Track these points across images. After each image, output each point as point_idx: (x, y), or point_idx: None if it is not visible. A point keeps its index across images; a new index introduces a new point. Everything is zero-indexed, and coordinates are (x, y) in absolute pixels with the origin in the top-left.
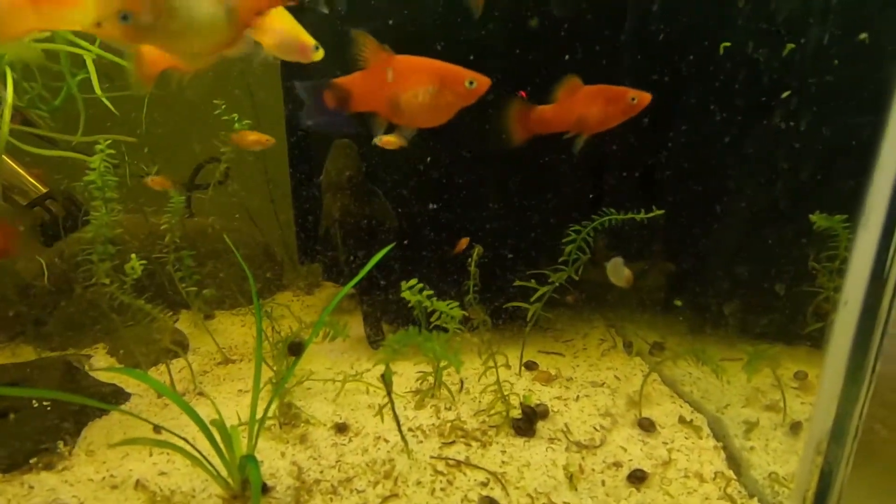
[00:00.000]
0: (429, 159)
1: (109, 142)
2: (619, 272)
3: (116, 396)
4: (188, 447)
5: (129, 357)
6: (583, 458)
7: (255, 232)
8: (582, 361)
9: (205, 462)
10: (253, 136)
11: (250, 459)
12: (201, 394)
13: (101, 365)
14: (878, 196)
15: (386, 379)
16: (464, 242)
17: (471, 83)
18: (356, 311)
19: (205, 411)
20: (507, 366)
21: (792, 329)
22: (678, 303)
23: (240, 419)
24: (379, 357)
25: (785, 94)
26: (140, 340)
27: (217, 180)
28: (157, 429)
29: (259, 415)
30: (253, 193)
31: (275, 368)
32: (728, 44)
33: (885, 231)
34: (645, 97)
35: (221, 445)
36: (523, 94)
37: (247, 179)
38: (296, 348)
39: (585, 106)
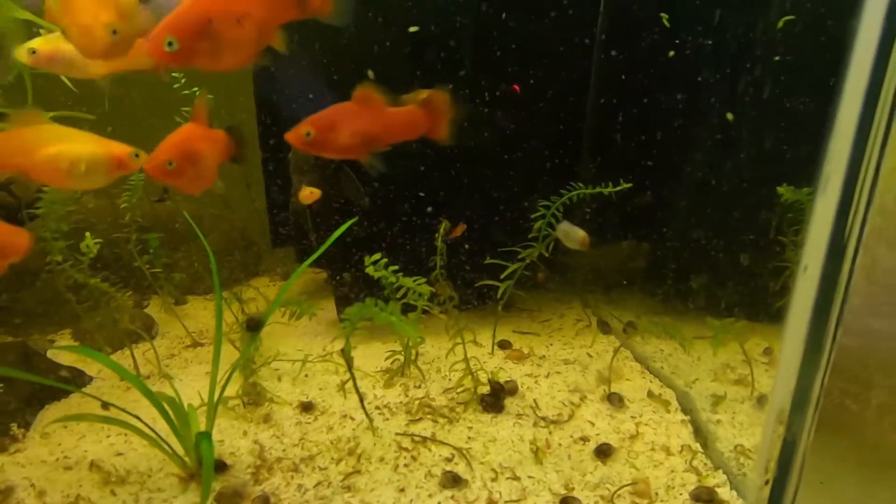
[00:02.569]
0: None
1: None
2: (571, 235)
3: (77, 380)
4: (141, 426)
5: (94, 341)
6: (550, 432)
7: (231, 217)
8: (556, 340)
9: (160, 441)
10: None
11: (204, 436)
12: (166, 376)
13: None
14: (836, 161)
15: (346, 354)
16: (460, 229)
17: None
18: (331, 294)
19: (168, 393)
20: (478, 343)
21: (761, 305)
22: (694, 284)
23: (202, 400)
24: (335, 333)
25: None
26: (103, 324)
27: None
28: (105, 405)
29: (223, 395)
30: (228, 177)
31: (242, 350)
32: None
33: (844, 196)
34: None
35: (177, 424)
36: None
37: (222, 165)
38: (254, 325)
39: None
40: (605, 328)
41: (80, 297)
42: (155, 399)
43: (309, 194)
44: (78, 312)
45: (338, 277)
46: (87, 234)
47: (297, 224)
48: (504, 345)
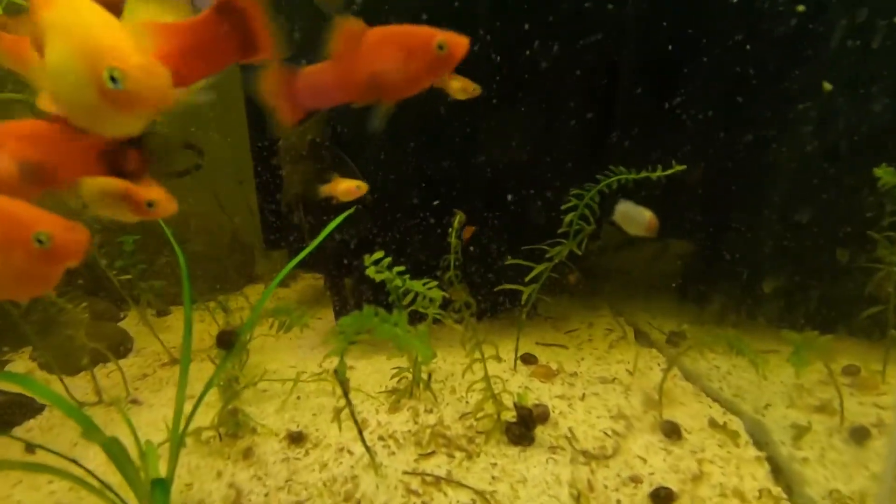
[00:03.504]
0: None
1: None
2: (634, 217)
3: (23, 409)
4: (81, 471)
5: (58, 360)
6: (592, 471)
7: (222, 217)
8: (587, 354)
9: (105, 490)
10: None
11: (158, 485)
12: (135, 401)
13: (20, 371)
14: None
15: (340, 376)
16: (468, 230)
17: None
18: (331, 303)
19: (134, 422)
20: (499, 359)
21: (838, 314)
22: (767, 288)
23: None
24: (331, 347)
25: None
26: (60, 342)
27: (194, 164)
28: (31, 448)
29: (192, 425)
30: (220, 174)
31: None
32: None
33: None
34: (459, 43)
35: (126, 469)
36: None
37: (213, 160)
38: (226, 340)
39: (375, 60)
40: (643, 340)
41: (30, 310)
42: (100, 436)
43: (349, 189)
44: (25, 328)
45: (336, 283)
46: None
47: (290, 223)
48: (528, 359)
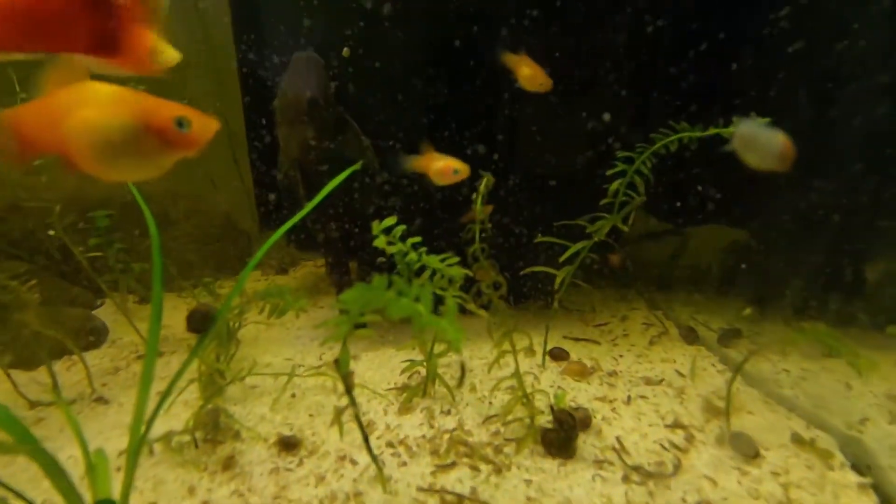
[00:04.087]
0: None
1: None
2: (764, 143)
3: None
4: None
5: (11, 351)
6: (651, 493)
7: (216, 198)
8: (625, 351)
9: None
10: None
11: None
12: (100, 399)
13: None
14: None
15: (342, 368)
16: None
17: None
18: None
19: (95, 425)
20: (532, 351)
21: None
22: (871, 276)
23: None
24: (329, 332)
25: None
26: (19, 331)
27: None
28: None
29: (164, 428)
30: (213, 152)
31: (218, 361)
32: None
33: None
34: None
35: (63, 486)
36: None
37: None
38: (198, 321)
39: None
40: (690, 336)
41: None
42: (35, 448)
43: (445, 169)
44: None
45: (337, 262)
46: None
47: (287, 201)
48: (558, 355)
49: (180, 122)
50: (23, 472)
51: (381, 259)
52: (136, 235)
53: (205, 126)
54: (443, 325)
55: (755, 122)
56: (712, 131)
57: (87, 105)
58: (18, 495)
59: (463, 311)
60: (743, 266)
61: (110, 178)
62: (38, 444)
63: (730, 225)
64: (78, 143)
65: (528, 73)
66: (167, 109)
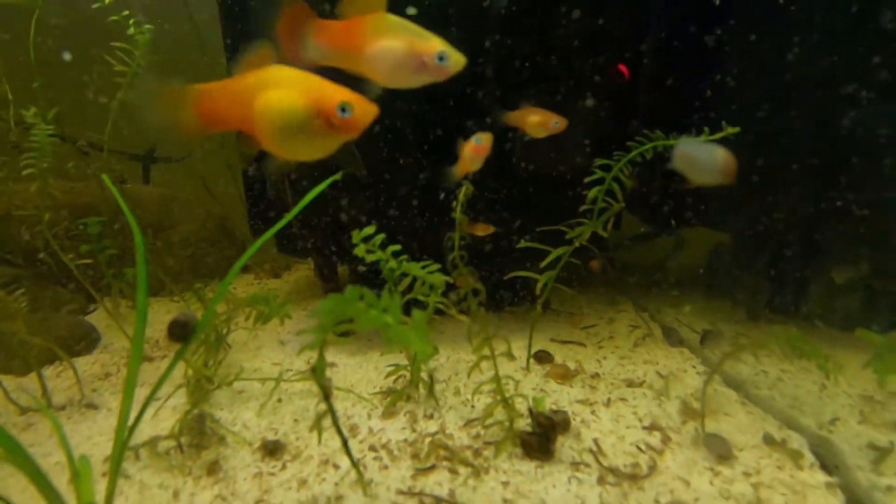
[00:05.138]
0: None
1: None
2: (705, 160)
3: None
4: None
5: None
6: (624, 494)
7: (210, 203)
8: (609, 353)
9: None
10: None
11: None
12: (90, 405)
13: None
14: None
15: (318, 375)
16: (483, 229)
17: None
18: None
19: (84, 430)
20: (511, 356)
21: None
22: (839, 279)
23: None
24: (306, 340)
25: None
26: (8, 338)
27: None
28: None
29: (150, 433)
30: (206, 154)
31: (207, 367)
32: None
33: None
34: None
35: (48, 492)
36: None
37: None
38: (179, 329)
39: None
40: (672, 339)
41: None
42: (20, 453)
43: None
44: None
45: (324, 268)
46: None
47: (276, 204)
48: (542, 358)
49: (343, 108)
50: (10, 478)
51: (362, 267)
52: (130, 240)
53: (364, 111)
54: (410, 336)
55: (693, 140)
56: (686, 138)
57: (272, 87)
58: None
59: (442, 314)
60: (723, 269)
61: (285, 155)
62: (26, 453)
63: (709, 228)
64: (260, 122)
65: (537, 120)
66: (337, 94)
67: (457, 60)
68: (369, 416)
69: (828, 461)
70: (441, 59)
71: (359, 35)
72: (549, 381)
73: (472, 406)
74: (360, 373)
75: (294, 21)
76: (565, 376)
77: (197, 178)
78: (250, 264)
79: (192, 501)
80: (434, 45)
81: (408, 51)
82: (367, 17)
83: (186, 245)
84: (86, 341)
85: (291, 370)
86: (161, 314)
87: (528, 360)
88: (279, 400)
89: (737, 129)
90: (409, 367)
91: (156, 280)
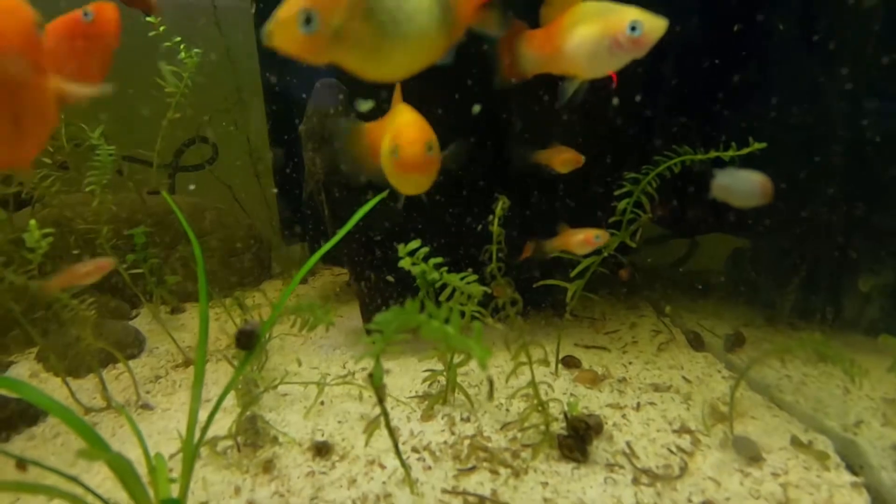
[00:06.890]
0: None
1: None
2: (742, 185)
3: (23, 416)
4: (80, 490)
5: (64, 362)
6: (658, 494)
7: (238, 211)
8: (634, 358)
9: None
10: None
11: None
12: (146, 406)
13: (24, 373)
14: None
15: (376, 382)
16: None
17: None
18: (354, 299)
19: (143, 430)
20: (546, 362)
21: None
22: (863, 287)
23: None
24: (365, 349)
25: None
26: (69, 342)
27: (206, 160)
28: (22, 463)
29: (208, 434)
30: (236, 167)
31: (252, 371)
32: None
33: None
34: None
35: (134, 487)
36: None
37: (228, 152)
38: (246, 339)
39: None
40: (696, 343)
41: (33, 307)
42: (104, 449)
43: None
44: (50, 330)
45: (363, 278)
46: (32, 223)
47: (311, 215)
48: (570, 363)
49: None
50: (84, 474)
51: (390, 277)
52: (167, 248)
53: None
54: (471, 344)
55: (730, 170)
56: (712, 154)
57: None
58: (94, 493)
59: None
60: (743, 274)
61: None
62: (116, 452)
63: (729, 234)
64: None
65: (565, 158)
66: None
67: (651, 26)
68: (409, 419)
69: (853, 462)
70: (634, 29)
71: (557, 35)
72: (579, 386)
73: (507, 410)
74: (396, 377)
75: (511, 38)
76: (594, 381)
77: (223, 187)
78: (280, 269)
79: (253, 497)
80: (624, 17)
81: (599, 34)
82: (564, 14)
83: (217, 252)
84: (135, 346)
85: (329, 374)
86: (198, 319)
87: (556, 366)
88: (322, 403)
89: (763, 145)
90: (444, 372)
91: (192, 286)
